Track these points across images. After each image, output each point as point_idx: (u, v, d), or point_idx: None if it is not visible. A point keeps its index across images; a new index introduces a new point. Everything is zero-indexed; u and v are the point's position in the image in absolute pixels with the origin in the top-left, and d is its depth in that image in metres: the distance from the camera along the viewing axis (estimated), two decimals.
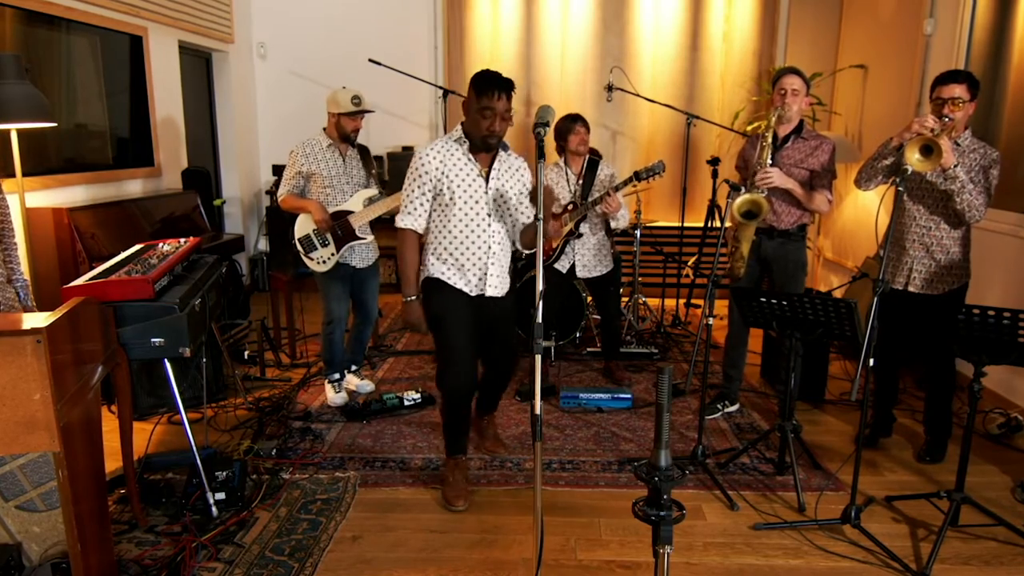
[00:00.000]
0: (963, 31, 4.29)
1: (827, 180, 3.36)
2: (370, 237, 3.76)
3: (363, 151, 3.80)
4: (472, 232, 2.76)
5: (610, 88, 5.27)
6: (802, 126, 3.39)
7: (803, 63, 5.82)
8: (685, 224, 5.50)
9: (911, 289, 3.11)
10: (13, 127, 3.32)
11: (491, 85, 2.60)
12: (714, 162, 5.19)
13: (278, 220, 4.10)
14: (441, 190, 2.72)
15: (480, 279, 2.81)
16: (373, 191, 3.73)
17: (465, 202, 2.72)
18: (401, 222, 2.79)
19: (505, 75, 2.64)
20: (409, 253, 2.80)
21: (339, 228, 3.63)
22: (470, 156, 2.73)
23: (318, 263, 3.67)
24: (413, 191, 2.77)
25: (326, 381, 3.92)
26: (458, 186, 2.71)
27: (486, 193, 2.75)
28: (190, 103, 5.58)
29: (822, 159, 3.33)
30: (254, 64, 6.50)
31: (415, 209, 2.77)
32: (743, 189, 3.34)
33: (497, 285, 2.84)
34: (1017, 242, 3.74)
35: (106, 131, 4.62)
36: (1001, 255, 3.82)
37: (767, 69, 6.03)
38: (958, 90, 2.91)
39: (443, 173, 2.71)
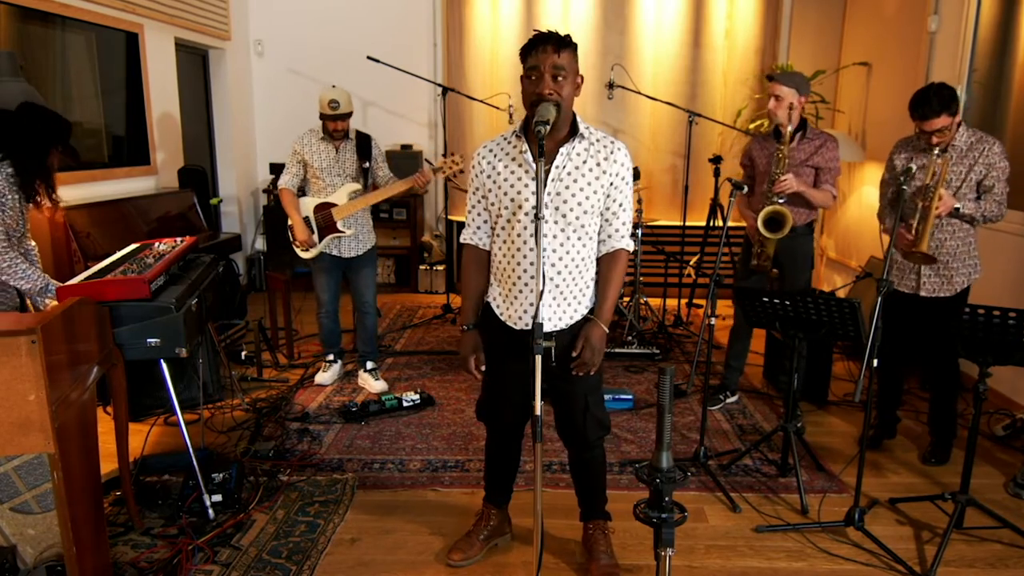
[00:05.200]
0: (968, 28, 4.25)
1: (832, 176, 3.44)
2: (351, 231, 3.87)
3: (362, 142, 3.88)
4: (518, 251, 2.20)
5: (611, 86, 5.23)
6: (805, 126, 3.42)
7: (806, 60, 5.84)
8: (687, 223, 5.47)
9: (922, 294, 3.08)
10: None
11: (533, 41, 2.08)
12: (716, 160, 5.16)
13: (276, 219, 4.11)
14: (490, 198, 2.27)
15: (529, 310, 2.22)
16: (358, 185, 3.86)
17: (513, 213, 2.19)
18: (462, 235, 2.39)
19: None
20: (465, 272, 2.37)
21: (322, 220, 3.82)
22: (526, 152, 2.17)
23: (303, 250, 3.89)
24: (469, 199, 2.35)
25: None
26: (505, 193, 2.20)
27: (538, 200, 2.04)
28: (187, 101, 5.55)
29: (827, 155, 3.41)
30: (251, 61, 6.47)
31: (472, 220, 2.35)
32: (745, 188, 3.34)
33: (554, 317, 2.22)
34: (1022, 241, 3.71)
35: (102, 129, 4.58)
36: (1005, 254, 3.79)
37: (769, 67, 6.00)
38: (939, 123, 2.83)
39: (490, 177, 2.24)
